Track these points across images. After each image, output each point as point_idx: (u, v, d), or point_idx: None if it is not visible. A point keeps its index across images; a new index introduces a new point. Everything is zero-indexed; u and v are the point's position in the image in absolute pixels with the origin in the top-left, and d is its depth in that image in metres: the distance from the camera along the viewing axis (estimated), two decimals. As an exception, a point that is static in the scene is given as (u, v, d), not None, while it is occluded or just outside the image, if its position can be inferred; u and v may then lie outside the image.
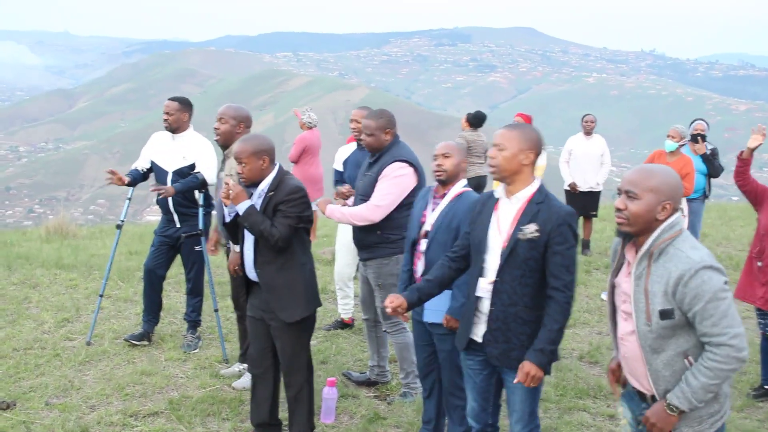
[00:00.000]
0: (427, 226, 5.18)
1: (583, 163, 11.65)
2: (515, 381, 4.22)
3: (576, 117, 11.62)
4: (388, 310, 4.55)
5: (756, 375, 6.94)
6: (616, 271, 3.70)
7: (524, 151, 4.21)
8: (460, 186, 5.20)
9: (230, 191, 4.98)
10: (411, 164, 5.97)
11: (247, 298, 5.51)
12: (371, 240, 6.01)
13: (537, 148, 4.27)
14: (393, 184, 5.85)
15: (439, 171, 5.14)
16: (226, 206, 5.13)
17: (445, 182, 5.18)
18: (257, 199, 5.16)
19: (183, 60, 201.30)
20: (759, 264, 6.51)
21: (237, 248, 5.88)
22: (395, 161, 5.92)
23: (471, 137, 11.81)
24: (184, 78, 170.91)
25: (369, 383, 6.68)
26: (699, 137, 10.18)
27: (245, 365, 6.58)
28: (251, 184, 5.17)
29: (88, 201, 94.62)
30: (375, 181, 5.92)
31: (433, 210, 5.21)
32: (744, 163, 6.68)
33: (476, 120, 12.09)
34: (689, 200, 9.72)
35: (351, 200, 6.31)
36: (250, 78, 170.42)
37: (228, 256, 6.57)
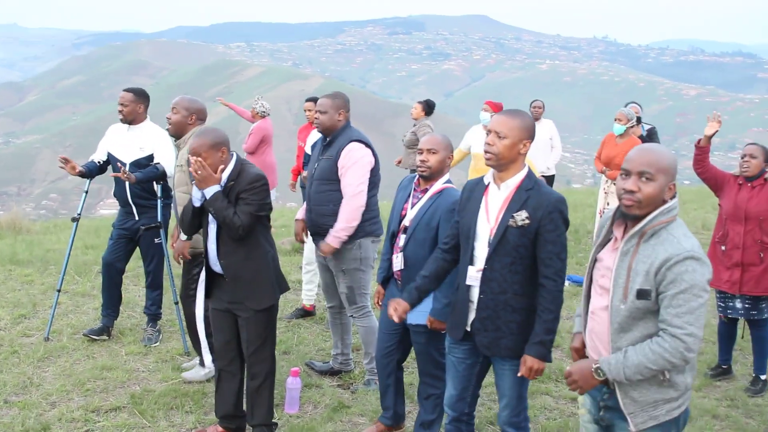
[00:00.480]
0: (407, 221, 5.16)
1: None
2: (519, 374, 4.23)
3: (529, 104, 11.65)
4: (396, 318, 4.55)
5: (713, 355, 7.06)
6: (601, 246, 3.66)
7: (524, 140, 4.21)
8: (441, 182, 5.15)
9: (198, 172, 4.91)
10: (367, 144, 6.02)
11: (209, 293, 5.45)
12: (330, 224, 5.98)
13: (533, 136, 4.28)
14: (358, 167, 5.89)
15: (424, 167, 5.08)
16: (198, 188, 5.05)
17: (428, 178, 5.14)
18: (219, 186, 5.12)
19: (135, 51, 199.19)
20: (723, 248, 6.62)
21: (184, 237, 5.82)
22: (351, 141, 5.97)
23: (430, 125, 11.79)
24: (136, 70, 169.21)
25: (332, 372, 6.68)
26: (636, 120, 10.36)
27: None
28: None
29: (40, 196, 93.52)
30: (334, 164, 5.94)
31: (413, 205, 5.18)
32: (702, 151, 6.77)
33: (431, 108, 12.11)
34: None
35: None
36: (203, 69, 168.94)
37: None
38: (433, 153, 5.03)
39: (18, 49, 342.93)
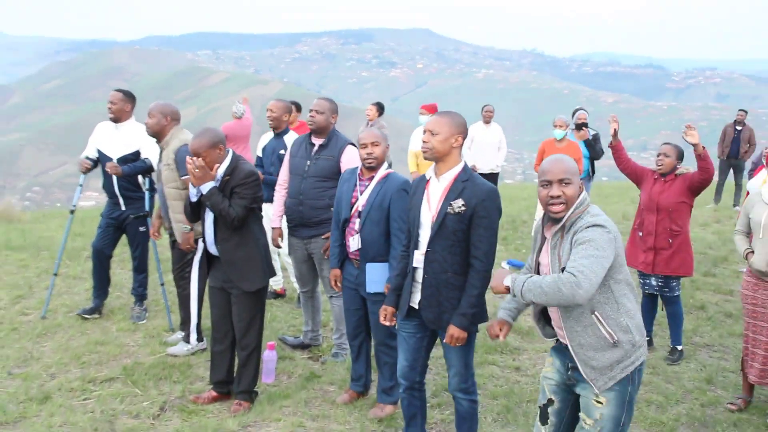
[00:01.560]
0: (360, 206, 5.23)
1: (483, 148, 11.71)
2: (444, 341, 4.33)
3: (468, 109, 11.74)
4: (387, 323, 4.69)
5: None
6: (539, 251, 3.79)
7: (454, 135, 4.30)
8: (384, 169, 5.29)
9: (195, 170, 4.96)
10: (355, 146, 6.05)
11: (208, 270, 5.52)
12: (323, 217, 6.02)
13: (465, 132, 4.37)
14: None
15: (370, 159, 5.19)
16: (194, 186, 5.09)
17: (374, 168, 5.23)
18: (214, 186, 5.14)
19: (110, 58, 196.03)
20: (640, 234, 6.78)
21: (187, 228, 5.87)
22: (348, 145, 6.05)
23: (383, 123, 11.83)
24: (113, 74, 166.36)
25: (303, 346, 6.70)
26: (582, 125, 10.45)
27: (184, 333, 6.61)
28: None
29: (24, 189, 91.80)
30: (336, 164, 5.97)
31: (362, 192, 5.26)
32: (616, 149, 6.95)
33: (382, 109, 12.18)
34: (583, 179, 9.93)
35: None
36: (173, 74, 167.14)
37: (170, 236, 6.53)
38: (376, 146, 5.19)
39: (3, 55, 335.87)
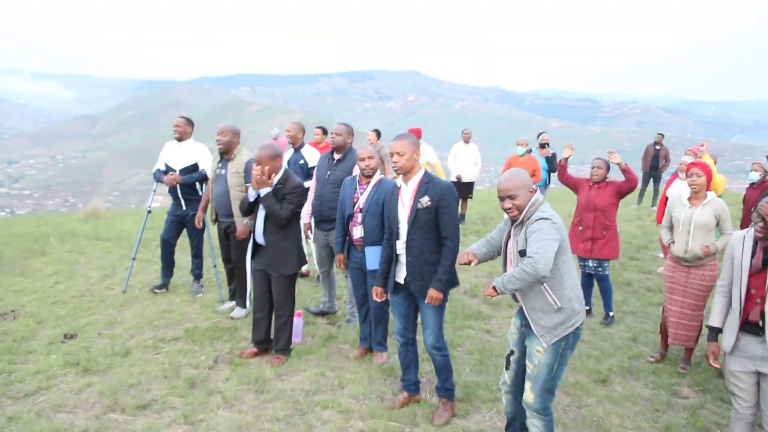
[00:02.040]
0: (361, 204, 5.31)
1: (463, 162, 11.65)
2: (426, 301, 4.35)
3: (448, 132, 11.79)
4: (378, 299, 4.74)
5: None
6: (506, 240, 3.85)
7: (415, 151, 4.38)
8: (377, 175, 5.38)
9: (258, 176, 5.08)
10: None
11: (253, 256, 5.51)
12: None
13: (418, 147, 4.43)
14: None
15: (368, 169, 5.33)
16: (254, 189, 5.18)
17: (371, 175, 5.34)
18: (270, 188, 5.21)
19: (172, 94, 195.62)
20: (580, 228, 6.79)
21: (245, 221, 5.89)
22: None
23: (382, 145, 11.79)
24: (173, 106, 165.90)
25: (322, 314, 6.68)
26: (545, 144, 10.52)
27: (233, 302, 6.65)
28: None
29: (106, 193, 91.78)
30: (349, 174, 5.97)
31: (362, 193, 5.35)
32: (562, 167, 7.09)
33: (379, 134, 12.14)
34: (538, 186, 9.93)
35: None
36: (220, 106, 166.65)
37: (221, 229, 6.49)
38: (372, 158, 5.32)
39: (91, 92, 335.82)
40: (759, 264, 3.76)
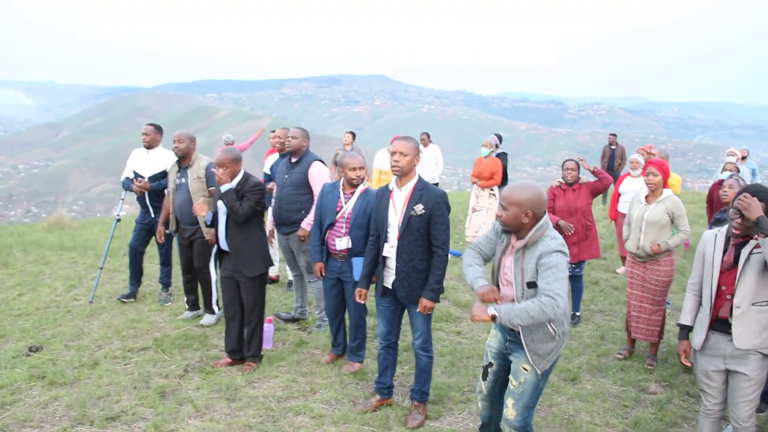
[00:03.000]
0: (347, 213, 5.23)
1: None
2: (417, 310, 4.37)
3: (415, 136, 11.69)
4: (361, 301, 4.76)
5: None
6: (503, 252, 3.65)
7: (416, 155, 4.38)
8: (363, 184, 5.32)
9: (221, 176, 5.16)
10: (323, 163, 6.10)
11: (220, 264, 5.51)
12: (296, 217, 6.04)
13: (418, 153, 4.43)
14: (324, 179, 5.92)
15: (358, 180, 5.27)
16: (218, 185, 5.29)
17: (357, 185, 5.27)
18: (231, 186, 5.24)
19: (138, 100, 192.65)
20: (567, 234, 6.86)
21: (211, 230, 5.84)
22: (315, 161, 6.04)
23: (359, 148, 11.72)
24: (139, 113, 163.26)
25: (293, 320, 6.67)
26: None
27: (193, 312, 6.64)
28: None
29: (70, 203, 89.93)
30: (305, 176, 5.96)
31: (347, 201, 5.26)
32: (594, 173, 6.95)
33: (354, 137, 12.07)
34: (499, 188, 9.96)
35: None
36: (187, 112, 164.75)
37: (179, 237, 6.48)
38: (362, 169, 5.26)
39: (54, 99, 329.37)
40: (731, 261, 3.80)
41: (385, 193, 4.53)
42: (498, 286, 3.69)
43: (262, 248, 5.38)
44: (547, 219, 3.51)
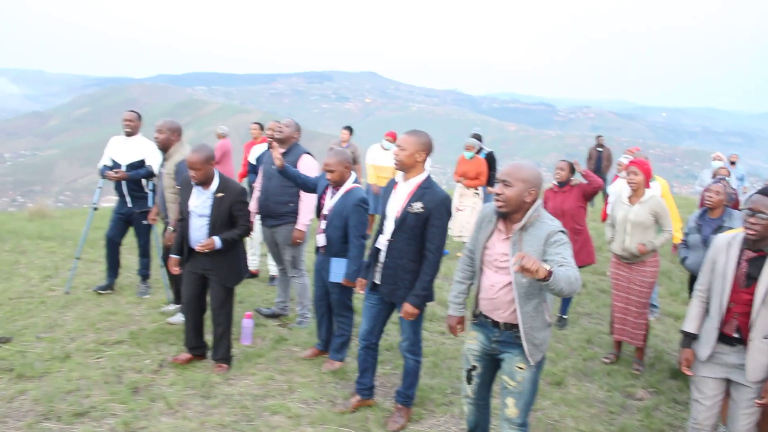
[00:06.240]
0: (326, 211, 5.09)
1: None
2: (400, 315, 4.23)
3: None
4: (360, 291, 4.63)
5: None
6: (487, 237, 3.50)
7: (418, 151, 4.17)
8: (350, 182, 5.11)
9: (207, 248, 4.86)
10: (313, 156, 5.95)
11: (188, 259, 5.14)
12: (284, 210, 5.88)
13: (428, 149, 4.22)
14: (314, 172, 5.78)
15: (332, 181, 5.08)
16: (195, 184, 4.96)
17: (338, 184, 5.08)
18: (207, 198, 4.94)
19: (127, 91, 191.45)
20: None
21: (171, 229, 5.67)
22: (305, 154, 5.91)
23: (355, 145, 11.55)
24: (128, 105, 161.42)
25: (274, 316, 6.51)
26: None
27: (179, 305, 6.31)
28: (201, 183, 4.93)
29: (57, 193, 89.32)
30: (294, 165, 5.78)
31: (331, 198, 5.10)
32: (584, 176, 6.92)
33: (352, 131, 11.89)
34: (484, 187, 9.81)
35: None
36: (176, 105, 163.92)
37: (164, 230, 6.24)
38: (346, 168, 5.08)
39: (42, 88, 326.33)
40: (743, 278, 3.56)
41: (391, 185, 4.41)
42: (481, 271, 3.55)
43: (241, 259, 5.16)
44: (540, 202, 3.44)
